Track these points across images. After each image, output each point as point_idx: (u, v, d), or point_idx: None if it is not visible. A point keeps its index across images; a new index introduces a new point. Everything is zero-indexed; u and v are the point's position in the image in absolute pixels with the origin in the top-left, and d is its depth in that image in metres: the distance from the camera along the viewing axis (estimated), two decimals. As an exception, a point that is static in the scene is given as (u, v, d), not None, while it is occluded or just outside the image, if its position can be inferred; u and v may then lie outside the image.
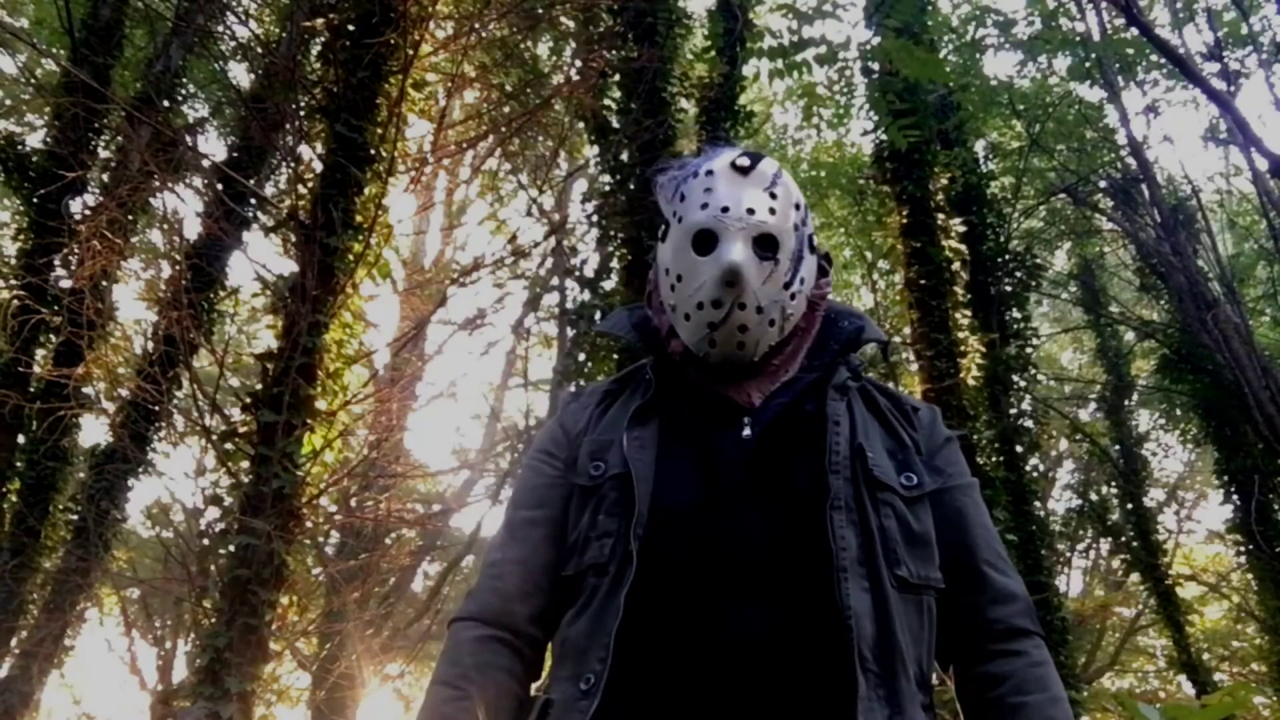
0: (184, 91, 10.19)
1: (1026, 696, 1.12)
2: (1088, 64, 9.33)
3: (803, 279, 1.26)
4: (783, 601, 1.07)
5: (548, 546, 1.23)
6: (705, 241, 1.22)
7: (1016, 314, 10.73)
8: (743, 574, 1.08)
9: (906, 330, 9.36)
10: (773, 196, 1.24)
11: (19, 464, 7.95)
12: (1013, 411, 9.91)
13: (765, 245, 1.22)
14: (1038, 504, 10.74)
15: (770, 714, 1.02)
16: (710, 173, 1.25)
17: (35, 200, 8.09)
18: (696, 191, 1.25)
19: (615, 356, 8.10)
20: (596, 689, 1.05)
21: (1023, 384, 10.40)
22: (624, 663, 1.06)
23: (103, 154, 9.08)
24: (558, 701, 1.10)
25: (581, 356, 8.50)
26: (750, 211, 1.22)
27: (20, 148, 8.50)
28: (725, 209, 1.22)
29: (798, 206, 1.28)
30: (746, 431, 1.19)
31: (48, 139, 8.65)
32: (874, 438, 1.22)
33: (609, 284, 8.43)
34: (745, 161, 1.25)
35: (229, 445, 5.18)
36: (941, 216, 9.25)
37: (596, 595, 1.13)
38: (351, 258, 5.38)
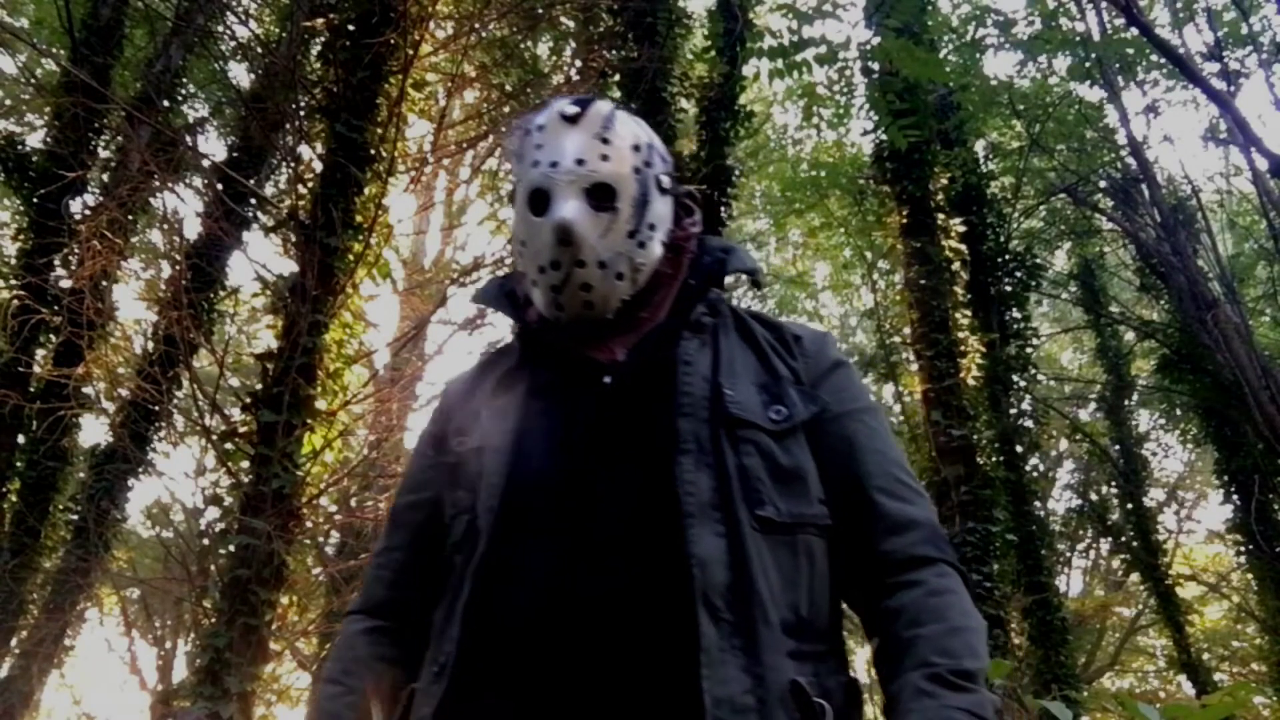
0: (184, 91, 10.19)
1: (920, 629, 1.01)
2: (1088, 64, 9.33)
3: (652, 224, 1.19)
4: (636, 557, 1.01)
5: (430, 529, 1.18)
6: (539, 201, 1.16)
7: (1016, 314, 10.72)
8: (597, 534, 1.03)
9: (906, 330, 9.36)
10: (605, 142, 1.17)
11: (19, 464, 7.95)
12: (1013, 411, 9.91)
13: (601, 196, 1.15)
14: (1038, 504, 10.74)
15: (621, 673, 0.97)
16: (541, 127, 1.19)
17: (35, 200, 8.09)
18: (529, 149, 1.19)
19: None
20: (445, 672, 1.01)
21: (1023, 384, 10.40)
22: (473, 641, 1.02)
23: (103, 154, 9.07)
24: (419, 689, 1.06)
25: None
26: (580, 162, 1.15)
27: (20, 148, 8.50)
28: (554, 163, 1.15)
29: (637, 148, 1.20)
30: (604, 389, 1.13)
31: (48, 139, 8.65)
32: (740, 373, 1.14)
33: (609, 284, 8.42)
34: (572, 109, 1.18)
35: (229, 445, 5.18)
36: (941, 216, 9.24)
37: (454, 575, 1.08)
38: (351, 258, 5.38)
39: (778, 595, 1.00)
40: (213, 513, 5.35)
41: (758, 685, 0.94)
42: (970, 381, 8.59)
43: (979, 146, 11.76)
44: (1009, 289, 10.74)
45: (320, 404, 5.11)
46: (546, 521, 1.05)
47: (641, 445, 1.08)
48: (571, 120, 1.18)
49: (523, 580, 1.03)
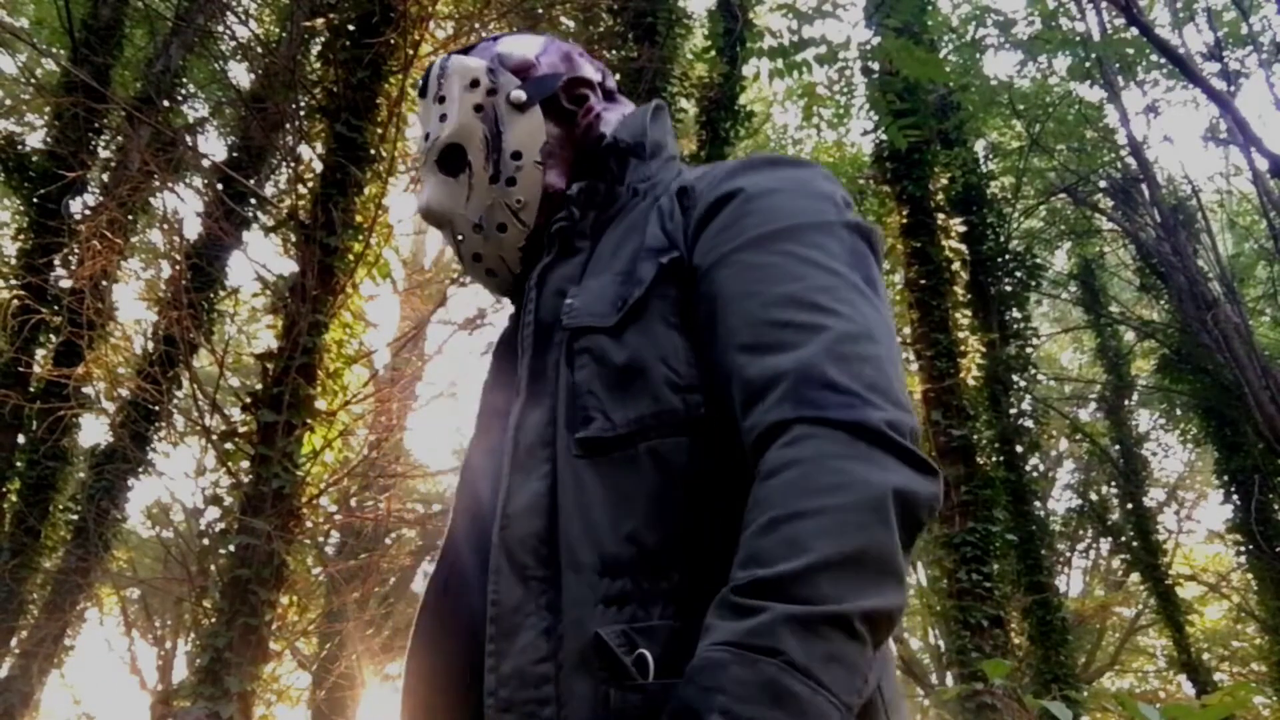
0: (184, 91, 10.20)
1: (745, 532, 0.72)
2: (1088, 64, 9.33)
3: (516, 152, 1.05)
4: (482, 532, 0.91)
5: None
6: None
7: (1016, 314, 10.74)
8: (476, 510, 0.96)
9: (906, 330, 9.36)
10: (440, 101, 1.09)
11: (19, 464, 7.95)
12: (1013, 411, 9.91)
13: (451, 160, 1.07)
14: (1038, 504, 10.75)
15: (464, 660, 0.88)
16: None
17: (35, 200, 8.10)
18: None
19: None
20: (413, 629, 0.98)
21: (1023, 384, 10.41)
22: (409, 658, 0.96)
23: (103, 154, 9.08)
24: None
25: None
26: (426, 137, 1.09)
27: (20, 148, 8.51)
28: (424, 148, 1.09)
29: (475, 83, 1.07)
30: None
31: (48, 139, 8.66)
32: (605, 268, 0.95)
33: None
34: (420, 85, 1.14)
35: (229, 445, 5.18)
36: (941, 216, 9.25)
37: None
38: (351, 258, 5.38)
39: (602, 530, 0.81)
40: (213, 513, 5.35)
41: (556, 649, 0.79)
42: (970, 381, 8.59)
43: (979, 146, 11.77)
44: (1009, 289, 10.74)
45: (320, 404, 5.12)
46: (460, 521, 1.02)
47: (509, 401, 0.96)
48: (423, 95, 1.13)
49: (449, 588, 0.98)
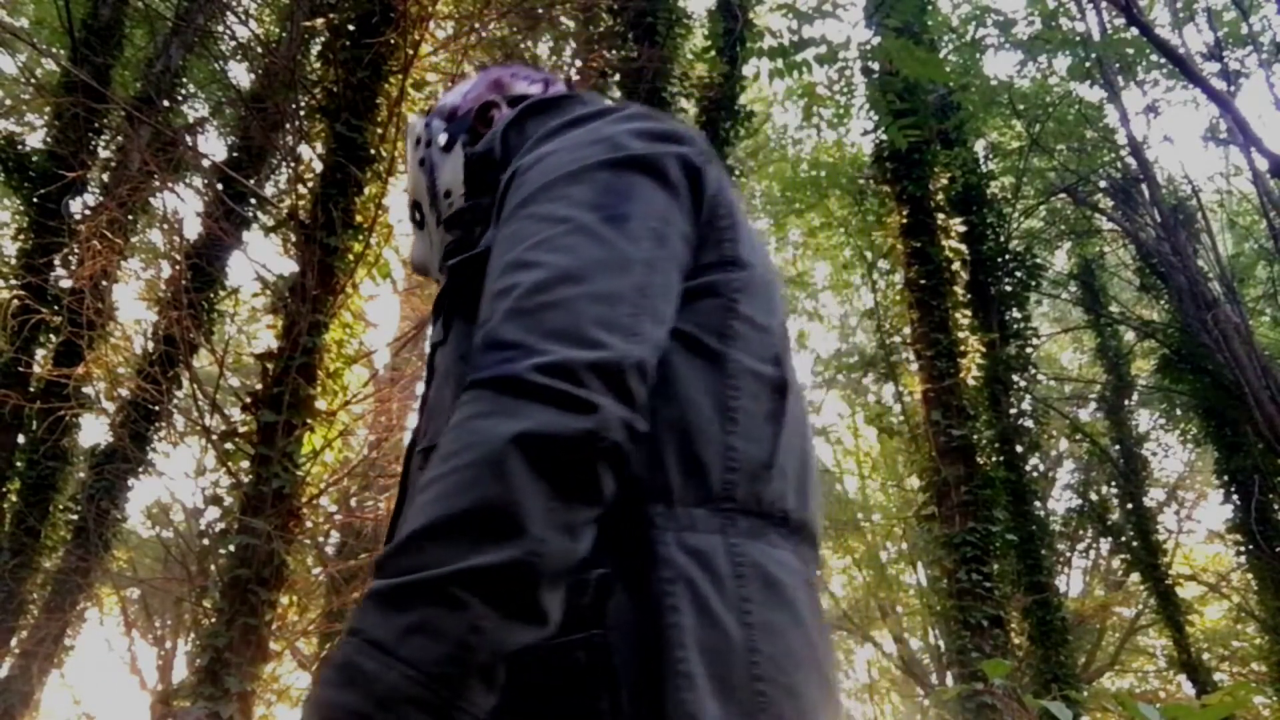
0: (184, 91, 10.20)
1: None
2: (1088, 64, 9.33)
3: (447, 192, 1.08)
4: None
5: None
6: None
7: (1016, 314, 10.73)
8: None
9: (906, 330, 9.36)
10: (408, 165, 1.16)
11: (19, 464, 7.96)
12: (1013, 411, 9.91)
13: (416, 216, 1.13)
14: (1038, 504, 10.74)
15: None
16: None
17: (35, 200, 8.10)
18: None
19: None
20: None
21: (1023, 384, 10.41)
22: None
23: (103, 154, 9.08)
24: None
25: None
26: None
27: (20, 148, 8.50)
28: None
29: (418, 141, 1.14)
30: None
31: (48, 139, 8.65)
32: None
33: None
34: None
35: (229, 445, 5.18)
36: (941, 216, 9.25)
37: None
38: (351, 258, 5.38)
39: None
40: (213, 513, 5.36)
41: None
42: (970, 381, 8.59)
43: (979, 146, 11.77)
44: (1009, 289, 10.74)
45: (320, 404, 5.12)
46: None
47: None
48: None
49: None
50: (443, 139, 1.10)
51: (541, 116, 1.01)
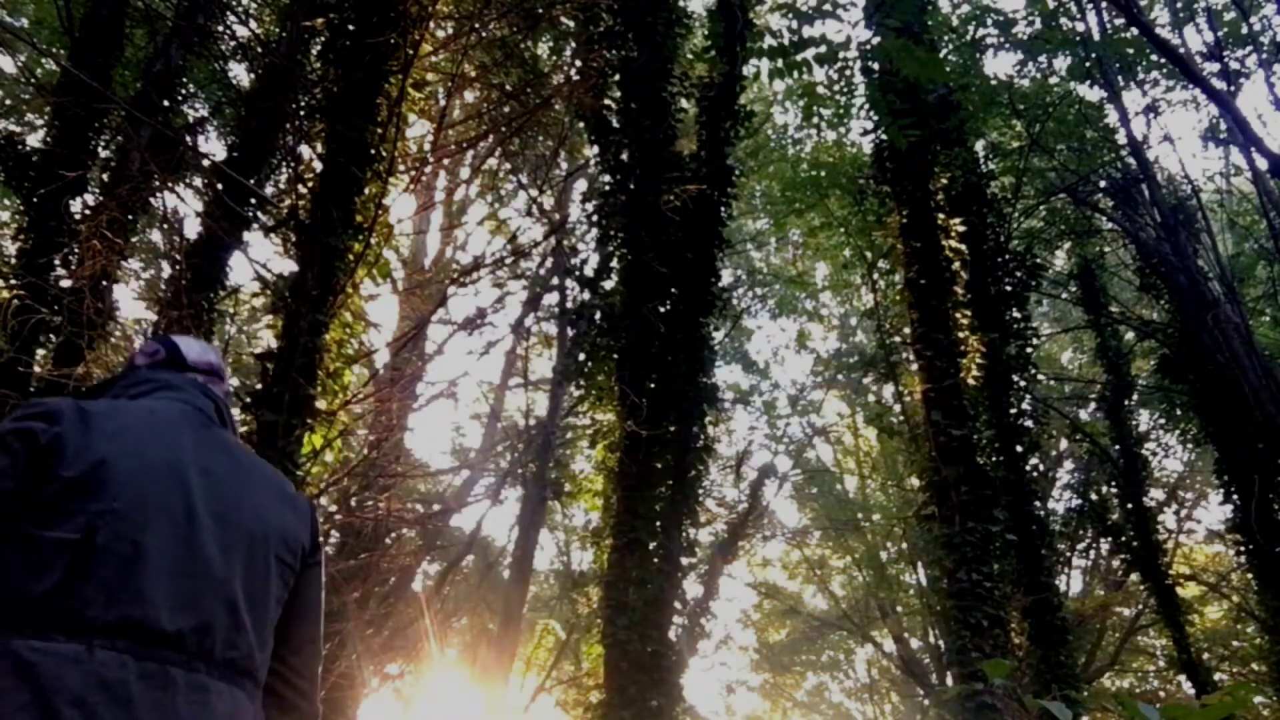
0: (184, 91, 10.18)
1: None
2: (1088, 64, 9.34)
3: None
4: None
5: None
6: None
7: (1016, 314, 10.73)
8: None
9: (906, 330, 9.36)
10: None
11: (19, 464, 7.93)
12: (1013, 411, 9.91)
13: None
14: (1038, 504, 10.74)
15: None
16: None
17: (35, 200, 8.09)
18: None
19: (615, 356, 8.11)
20: None
21: (1023, 384, 10.40)
22: None
23: (103, 154, 9.07)
24: None
25: (581, 356, 8.49)
26: None
27: (20, 148, 8.50)
28: None
29: None
30: None
31: (48, 139, 8.65)
32: None
33: (609, 283, 8.43)
34: None
35: (229, 445, 5.16)
36: (941, 216, 9.25)
37: None
38: (351, 258, 5.38)
39: None
40: (213, 513, 5.33)
41: None
42: (970, 381, 8.59)
43: (979, 146, 11.76)
44: (1009, 289, 10.74)
45: (320, 404, 5.11)
46: None
47: None
48: None
49: None
50: None
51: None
